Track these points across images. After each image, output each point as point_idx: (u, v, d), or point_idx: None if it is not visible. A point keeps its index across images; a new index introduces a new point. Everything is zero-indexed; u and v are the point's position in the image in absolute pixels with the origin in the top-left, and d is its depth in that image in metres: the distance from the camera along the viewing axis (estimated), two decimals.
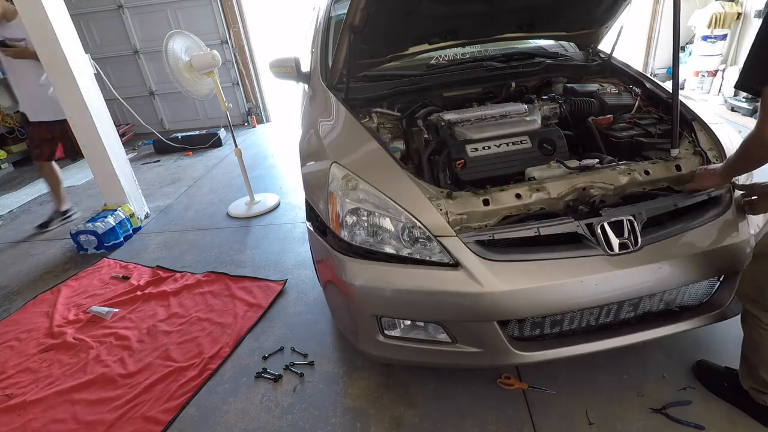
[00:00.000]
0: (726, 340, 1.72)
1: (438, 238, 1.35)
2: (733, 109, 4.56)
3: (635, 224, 1.34)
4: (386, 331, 1.48)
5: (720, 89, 5.22)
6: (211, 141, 5.36)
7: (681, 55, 5.60)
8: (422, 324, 1.47)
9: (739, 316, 1.41)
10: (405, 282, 1.35)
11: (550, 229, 1.34)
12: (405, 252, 1.38)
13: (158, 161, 5.16)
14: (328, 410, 1.66)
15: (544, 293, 1.30)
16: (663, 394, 1.55)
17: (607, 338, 1.42)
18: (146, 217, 3.57)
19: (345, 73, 1.90)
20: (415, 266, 1.36)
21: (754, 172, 1.65)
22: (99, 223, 2.99)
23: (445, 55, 2.29)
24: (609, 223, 1.33)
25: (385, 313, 1.45)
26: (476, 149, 1.66)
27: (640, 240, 1.33)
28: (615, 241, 1.32)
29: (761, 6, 4.77)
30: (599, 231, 1.33)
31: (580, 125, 1.89)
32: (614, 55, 2.20)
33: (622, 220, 1.33)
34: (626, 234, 1.33)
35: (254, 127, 6.23)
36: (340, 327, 1.78)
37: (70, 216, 3.65)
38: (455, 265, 1.33)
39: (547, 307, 1.33)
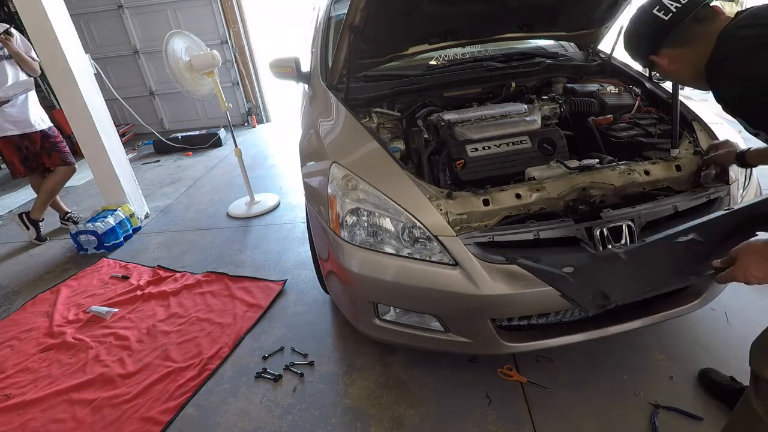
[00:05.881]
0: (727, 343, 1.72)
1: (438, 238, 1.35)
2: None
3: (633, 229, 1.34)
4: (381, 316, 1.53)
5: None
6: (211, 141, 5.35)
7: None
8: (417, 311, 1.50)
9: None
10: (403, 275, 1.37)
11: (550, 233, 1.34)
12: (405, 252, 1.38)
13: (158, 161, 5.16)
14: (328, 410, 1.65)
15: (538, 297, 1.31)
16: (663, 393, 1.55)
17: (592, 329, 1.46)
18: (146, 217, 3.57)
19: (345, 73, 1.90)
20: (414, 261, 1.37)
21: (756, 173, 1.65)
22: (99, 223, 2.99)
23: (445, 55, 2.29)
24: (608, 228, 1.33)
25: (381, 301, 1.48)
26: (476, 149, 1.66)
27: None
28: (612, 247, 1.32)
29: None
30: (597, 235, 1.33)
31: (580, 125, 1.89)
32: (614, 55, 2.20)
33: (621, 225, 1.33)
34: (624, 239, 1.33)
35: (254, 127, 6.23)
36: (341, 309, 1.80)
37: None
38: (454, 264, 1.33)
39: (540, 309, 1.38)
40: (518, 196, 1.40)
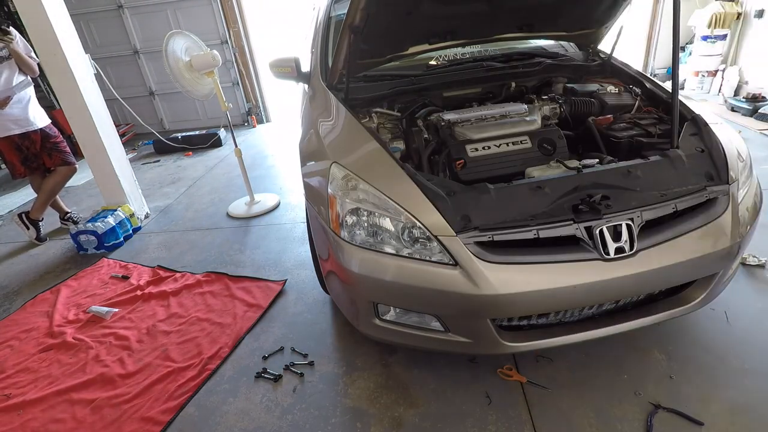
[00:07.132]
0: (727, 343, 1.72)
1: (438, 237, 1.35)
2: (733, 109, 4.56)
3: (633, 228, 1.34)
4: (381, 316, 1.53)
5: (720, 89, 5.22)
6: (211, 141, 5.36)
7: (681, 55, 5.60)
8: (417, 311, 1.50)
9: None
10: (403, 275, 1.37)
11: (549, 232, 1.34)
12: (405, 252, 1.38)
13: (158, 161, 5.16)
14: (328, 410, 1.65)
15: (538, 297, 1.32)
16: (663, 393, 1.55)
17: (591, 329, 1.46)
18: (146, 217, 3.57)
19: (345, 73, 1.90)
20: (414, 261, 1.37)
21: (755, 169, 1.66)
22: (99, 223, 2.99)
23: (445, 55, 2.29)
24: (607, 227, 1.33)
25: (381, 301, 1.48)
26: (476, 149, 1.66)
27: (636, 245, 1.34)
28: (612, 246, 1.32)
29: (761, 6, 4.77)
30: (597, 234, 1.33)
31: (580, 125, 1.89)
32: (614, 55, 2.20)
33: (621, 224, 1.34)
34: (623, 238, 1.33)
35: (254, 127, 6.23)
36: (341, 309, 1.80)
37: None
38: (454, 264, 1.33)
39: (540, 309, 1.38)
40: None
